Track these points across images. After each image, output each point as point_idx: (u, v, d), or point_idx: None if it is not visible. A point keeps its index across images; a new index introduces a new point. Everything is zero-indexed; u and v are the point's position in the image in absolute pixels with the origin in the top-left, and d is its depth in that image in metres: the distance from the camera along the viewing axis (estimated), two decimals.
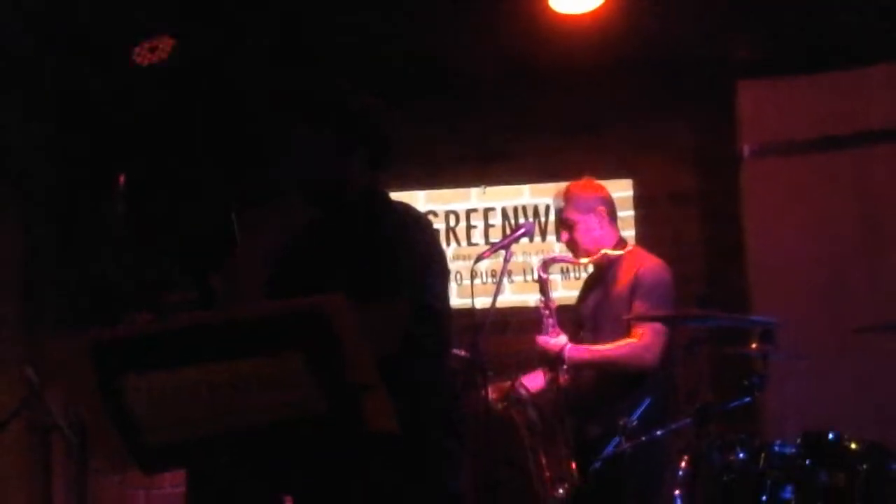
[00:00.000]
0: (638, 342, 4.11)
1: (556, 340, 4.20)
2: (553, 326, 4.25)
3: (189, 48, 4.93)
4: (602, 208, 4.38)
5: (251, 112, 5.09)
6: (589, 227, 4.34)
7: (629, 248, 4.41)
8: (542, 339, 4.25)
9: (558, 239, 5.61)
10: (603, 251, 4.28)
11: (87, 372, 2.15)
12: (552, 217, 5.70)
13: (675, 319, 4.12)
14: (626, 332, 4.19)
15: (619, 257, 4.30)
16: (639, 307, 4.14)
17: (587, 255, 4.34)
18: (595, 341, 4.21)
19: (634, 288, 4.21)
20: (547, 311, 4.27)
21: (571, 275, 5.59)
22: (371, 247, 2.72)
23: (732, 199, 5.57)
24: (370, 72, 5.26)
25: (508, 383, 4.29)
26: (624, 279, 4.26)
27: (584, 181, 4.47)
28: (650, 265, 4.30)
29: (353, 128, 2.79)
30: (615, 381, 4.15)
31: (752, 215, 5.33)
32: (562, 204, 4.38)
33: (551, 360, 4.19)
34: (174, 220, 5.23)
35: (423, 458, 2.70)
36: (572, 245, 4.37)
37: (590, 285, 4.48)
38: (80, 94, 5.22)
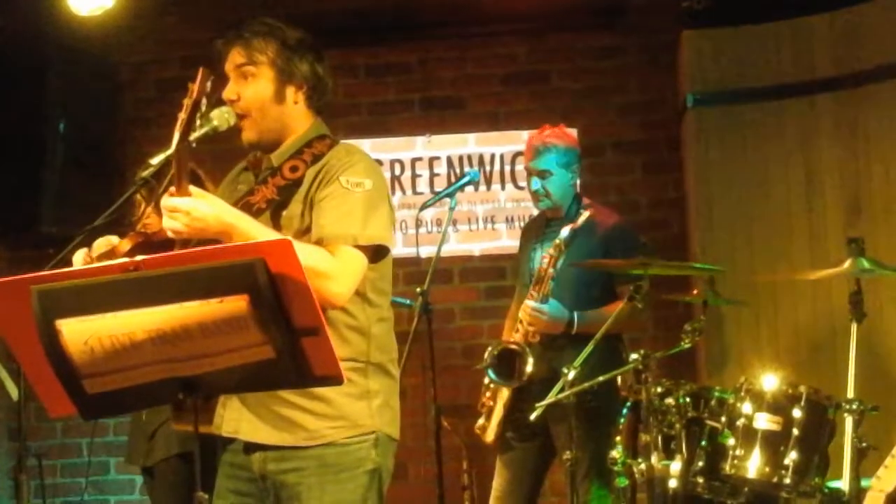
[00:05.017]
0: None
1: (559, 309, 4.14)
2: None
3: None
4: (577, 166, 4.35)
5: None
6: (562, 180, 4.28)
7: (586, 202, 4.35)
8: (549, 312, 4.13)
9: (503, 188, 5.66)
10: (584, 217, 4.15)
11: (26, 317, 2.12)
12: (497, 166, 5.70)
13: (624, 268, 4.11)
14: (598, 289, 4.21)
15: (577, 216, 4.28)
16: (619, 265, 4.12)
17: (555, 207, 4.27)
18: (566, 299, 4.18)
19: (607, 246, 4.20)
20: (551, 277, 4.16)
21: (517, 224, 5.59)
22: (313, 187, 2.70)
23: (676, 149, 5.62)
24: (313, 21, 5.19)
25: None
26: (592, 237, 4.23)
27: (563, 131, 4.38)
28: (616, 223, 4.32)
29: (289, 64, 2.75)
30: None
31: (695, 165, 5.37)
32: (540, 151, 4.27)
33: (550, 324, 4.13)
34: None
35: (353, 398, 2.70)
36: (542, 194, 4.27)
37: (541, 237, 4.39)
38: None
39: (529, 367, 4.08)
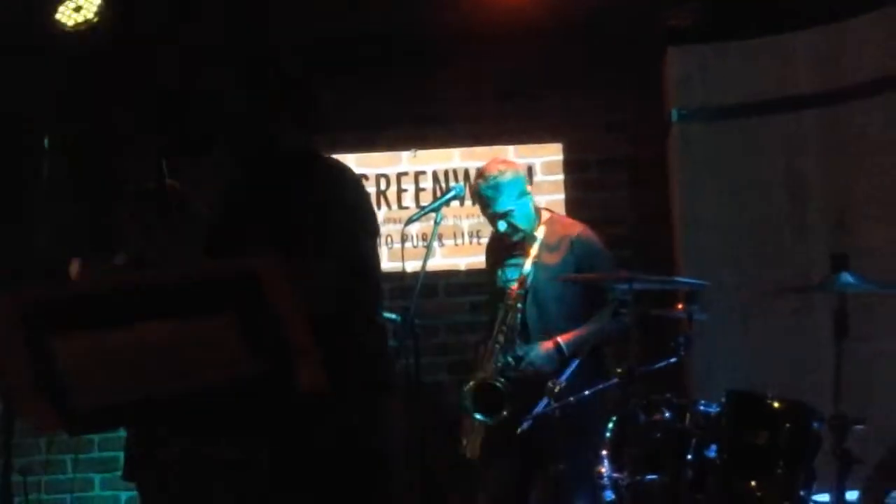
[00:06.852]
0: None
1: (542, 355, 4.12)
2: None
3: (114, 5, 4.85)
4: (529, 187, 4.34)
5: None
6: (524, 210, 4.27)
7: (546, 216, 4.40)
8: (536, 363, 4.12)
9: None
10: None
11: (14, 332, 2.12)
12: None
13: (612, 281, 4.11)
14: (578, 302, 4.21)
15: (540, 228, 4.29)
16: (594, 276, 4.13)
17: (524, 234, 4.27)
18: (541, 315, 4.19)
19: (579, 258, 4.20)
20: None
21: None
22: (302, 204, 2.72)
23: (661, 164, 5.64)
24: (304, 37, 5.21)
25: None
26: (557, 251, 4.25)
27: (500, 163, 4.36)
28: (584, 233, 4.31)
29: (283, 85, 2.77)
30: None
31: (680, 180, 5.39)
32: (492, 195, 4.23)
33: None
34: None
35: (354, 416, 2.71)
36: (512, 231, 4.27)
37: (505, 257, 4.39)
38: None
39: (507, 409, 4.05)
